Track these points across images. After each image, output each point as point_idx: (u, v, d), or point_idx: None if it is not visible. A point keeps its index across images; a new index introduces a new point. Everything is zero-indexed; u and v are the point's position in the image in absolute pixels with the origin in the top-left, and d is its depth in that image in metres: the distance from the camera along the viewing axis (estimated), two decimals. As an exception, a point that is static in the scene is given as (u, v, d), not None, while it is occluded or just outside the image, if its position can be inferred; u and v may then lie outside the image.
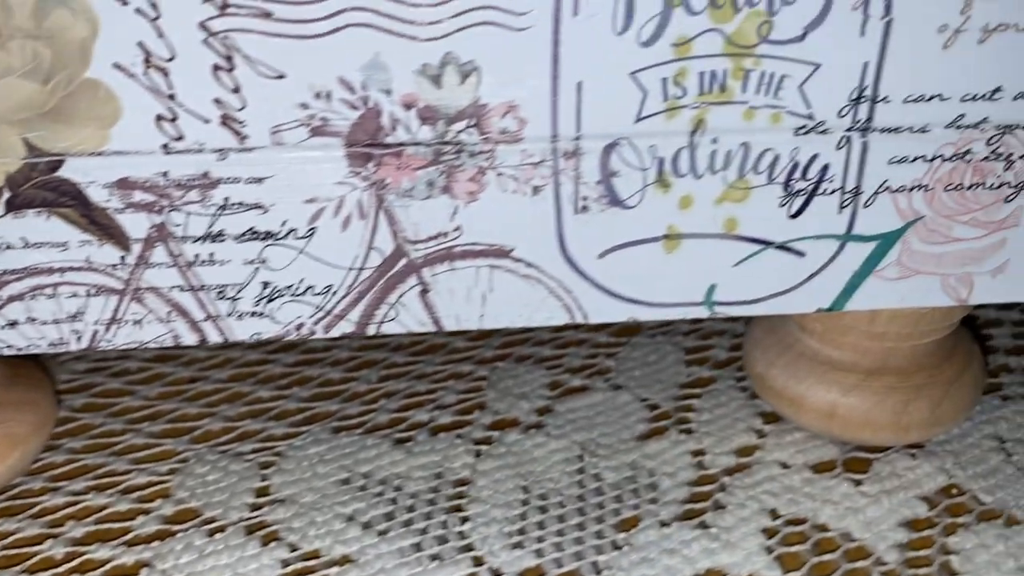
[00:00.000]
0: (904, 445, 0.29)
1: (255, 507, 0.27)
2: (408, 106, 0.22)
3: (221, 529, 0.26)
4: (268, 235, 0.23)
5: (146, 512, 0.27)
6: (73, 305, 0.23)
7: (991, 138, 0.23)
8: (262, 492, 0.27)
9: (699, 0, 0.21)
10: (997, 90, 0.23)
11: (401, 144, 0.22)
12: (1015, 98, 0.23)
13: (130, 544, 0.26)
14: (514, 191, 0.23)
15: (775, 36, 0.22)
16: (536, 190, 0.23)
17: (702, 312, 0.25)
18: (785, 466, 0.28)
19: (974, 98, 0.23)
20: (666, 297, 0.25)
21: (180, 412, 0.31)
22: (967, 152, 0.23)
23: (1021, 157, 0.24)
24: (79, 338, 0.24)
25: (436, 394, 0.31)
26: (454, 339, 0.34)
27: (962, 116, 0.23)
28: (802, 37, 0.22)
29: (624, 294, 0.24)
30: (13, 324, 0.23)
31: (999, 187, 0.24)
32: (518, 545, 0.25)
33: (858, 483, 0.27)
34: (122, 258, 0.23)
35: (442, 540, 0.26)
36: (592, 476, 0.28)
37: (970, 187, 0.24)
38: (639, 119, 0.22)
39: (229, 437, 0.30)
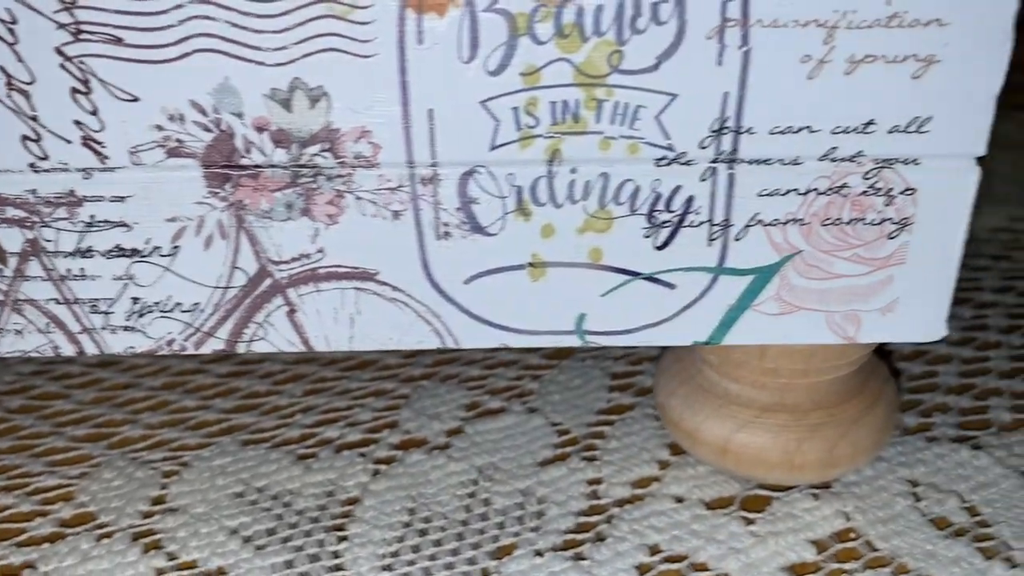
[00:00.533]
0: (810, 484, 0.28)
1: (147, 515, 0.27)
2: (260, 129, 0.22)
3: (109, 535, 0.27)
4: (134, 252, 0.23)
5: (44, 514, 0.28)
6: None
7: (868, 172, 0.22)
8: (158, 500, 0.28)
9: (545, 29, 0.21)
10: (870, 123, 0.22)
11: (257, 166, 0.22)
12: (890, 131, 0.22)
13: (21, 545, 0.27)
14: (374, 215, 0.23)
15: (627, 66, 0.21)
16: (396, 215, 0.23)
17: (574, 341, 0.25)
18: (679, 500, 0.27)
19: (846, 131, 0.22)
20: (536, 325, 0.24)
21: (106, 418, 0.32)
22: (843, 186, 0.23)
23: (902, 192, 0.23)
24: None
25: (352, 411, 0.32)
26: (386, 355, 0.34)
27: (835, 149, 0.22)
28: (656, 67, 0.21)
29: (494, 320, 0.24)
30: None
31: (881, 223, 0.23)
32: (388, 568, 0.25)
33: (750, 522, 0.27)
34: (0, 271, 0.24)
35: (314, 559, 0.26)
36: (482, 501, 0.28)
37: (849, 222, 0.23)
38: (493, 147, 0.22)
39: (144, 444, 0.30)
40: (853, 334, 0.24)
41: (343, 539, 0.26)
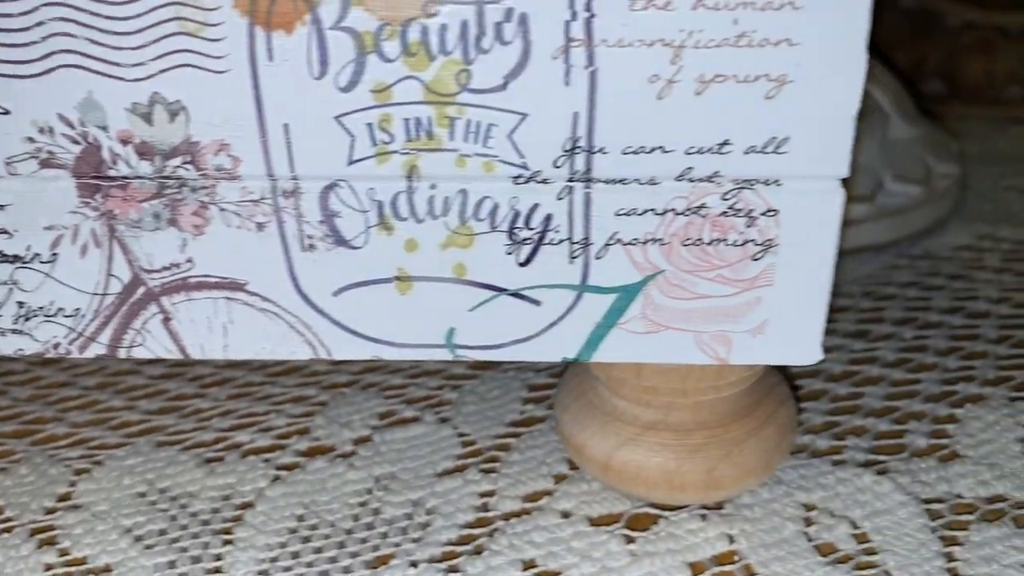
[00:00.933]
0: (701, 505, 0.27)
1: (50, 511, 0.28)
2: (125, 142, 0.22)
3: (9, 530, 0.28)
4: (16, 258, 0.24)
5: (-46, 508, 0.29)
6: None
7: (727, 193, 0.22)
8: (64, 497, 0.29)
9: (393, 47, 0.21)
10: (725, 143, 0.22)
11: (125, 177, 0.23)
12: (746, 152, 0.22)
13: (-74, 536, 0.28)
14: (239, 227, 0.23)
15: (475, 85, 0.21)
16: (260, 227, 0.23)
17: (445, 355, 0.25)
18: (566, 516, 0.27)
19: (700, 151, 0.22)
20: (407, 338, 0.25)
21: (36, 415, 0.33)
22: (702, 206, 0.22)
23: (764, 214, 0.22)
24: None
25: (267, 416, 0.32)
26: (314, 362, 0.35)
27: (691, 169, 0.22)
28: (504, 86, 0.21)
29: (365, 333, 0.25)
30: None
31: (744, 244, 0.23)
32: (264, 573, 0.26)
33: (631, 540, 0.26)
34: None
35: (196, 560, 0.26)
36: (372, 511, 0.28)
37: (711, 243, 0.23)
38: (351, 162, 0.22)
39: (65, 442, 0.31)
40: (724, 355, 0.24)
41: (228, 542, 0.27)
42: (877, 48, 0.54)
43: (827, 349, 0.35)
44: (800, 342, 0.24)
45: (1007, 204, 0.46)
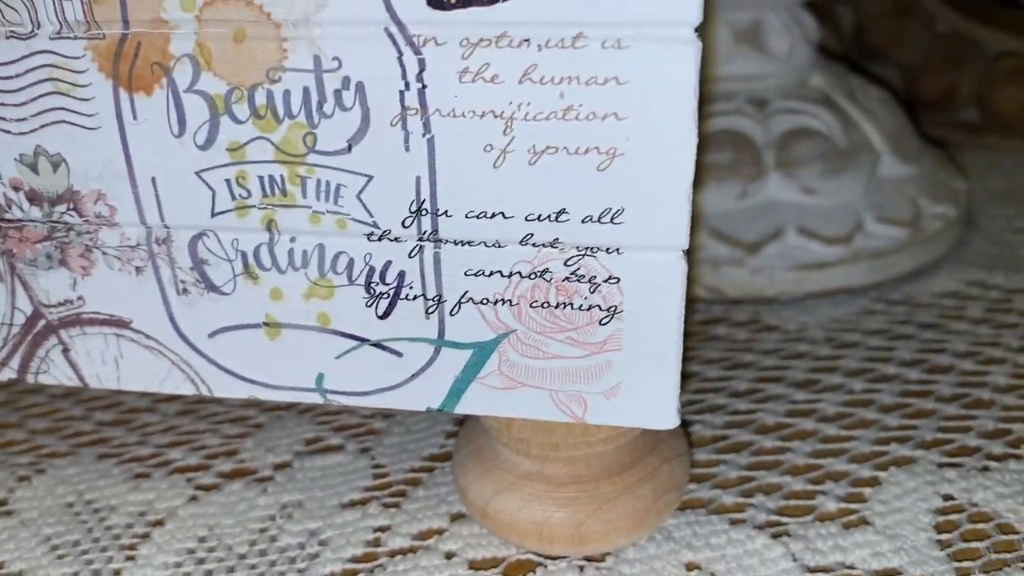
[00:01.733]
0: (584, 556, 0.27)
1: (-15, 516, 0.31)
2: (16, 188, 0.24)
3: (-55, 531, 0.30)
4: (-66, 289, 0.26)
5: (-94, 506, 0.31)
6: None
7: (569, 259, 0.22)
8: (1, 502, 0.31)
9: (242, 110, 0.22)
10: (562, 212, 0.22)
11: (19, 220, 0.25)
12: (583, 221, 0.22)
13: None
14: (120, 269, 0.25)
15: (322, 147, 0.22)
16: (139, 270, 0.25)
17: (317, 399, 0.26)
18: (449, 557, 0.28)
19: (539, 218, 0.22)
20: (280, 381, 0.26)
21: (1, 420, 0.35)
22: (546, 271, 0.23)
23: (606, 281, 0.22)
24: None
25: (204, 435, 0.34)
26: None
27: (531, 235, 0.22)
28: (348, 149, 0.22)
29: (241, 374, 0.26)
30: None
31: (589, 309, 0.23)
32: (153, 591, 0.27)
33: (503, 587, 0.27)
34: None
35: (96, 573, 0.28)
36: (269, 537, 0.29)
37: (557, 306, 0.23)
38: (214, 214, 0.23)
39: (20, 448, 0.34)
40: (581, 415, 0.24)
41: (130, 558, 0.29)
42: (883, 81, 0.53)
43: (766, 399, 0.35)
44: (654, 406, 0.24)
45: (1012, 248, 0.44)
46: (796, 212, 0.40)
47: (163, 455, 0.33)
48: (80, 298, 0.25)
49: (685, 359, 0.38)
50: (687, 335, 0.39)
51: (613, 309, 0.23)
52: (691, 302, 0.41)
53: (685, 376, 0.36)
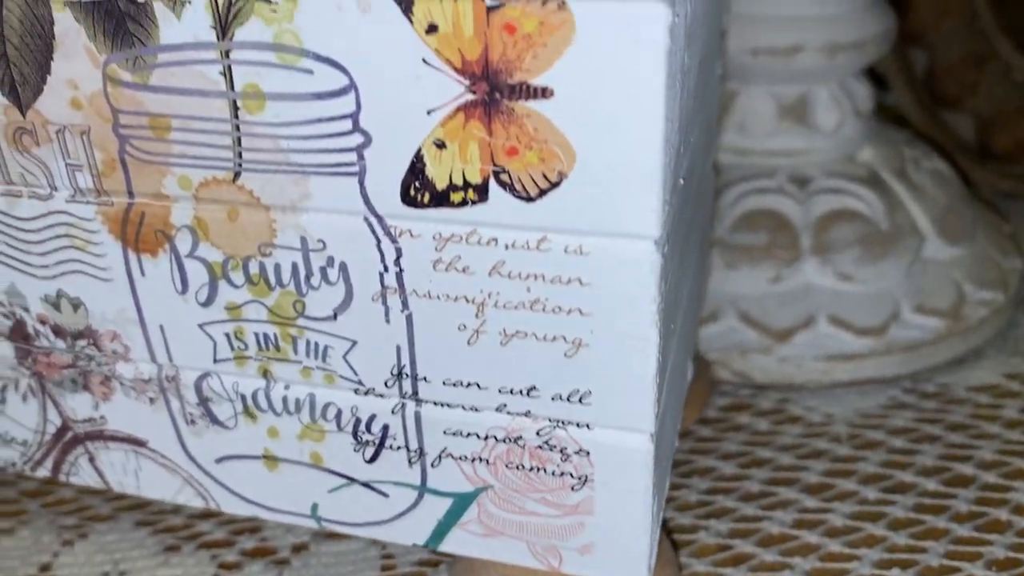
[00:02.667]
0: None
1: (31, 581, 0.34)
2: (43, 322, 0.26)
3: (-5, 595, 0.33)
4: (-22, 399, 0.29)
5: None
6: None
7: (541, 429, 0.23)
8: (45, 567, 0.34)
9: (238, 276, 0.23)
10: (533, 388, 0.22)
11: (47, 348, 0.27)
12: (553, 399, 0.22)
13: (-64, 589, 0.33)
14: (136, 398, 0.27)
15: (310, 313, 0.23)
16: (152, 401, 0.26)
17: (312, 524, 0.27)
18: (440, 664, 0.29)
19: (511, 391, 0.23)
20: (280, 505, 0.27)
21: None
22: (519, 438, 0.23)
23: (577, 453, 0.23)
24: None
25: (233, 507, 0.36)
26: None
27: (505, 405, 0.23)
28: (334, 317, 0.23)
29: (246, 495, 0.27)
30: None
31: (562, 475, 0.23)
32: (167, 677, 0.30)
33: None
34: None
35: (120, 654, 0.30)
36: (279, 626, 0.31)
37: (531, 469, 0.24)
38: (216, 361, 0.25)
39: (68, 508, 0.36)
40: (557, 565, 0.25)
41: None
42: (942, 150, 0.51)
43: (776, 505, 0.35)
44: (626, 564, 0.24)
45: (1065, 336, 0.43)
46: (830, 299, 0.40)
47: (194, 527, 0.35)
48: (102, 417, 0.27)
49: (703, 452, 0.38)
50: (710, 422, 0.40)
51: (584, 478, 0.23)
52: (718, 384, 0.41)
53: (700, 472, 0.36)
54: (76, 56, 0.21)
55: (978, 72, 0.55)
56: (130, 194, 0.23)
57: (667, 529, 0.34)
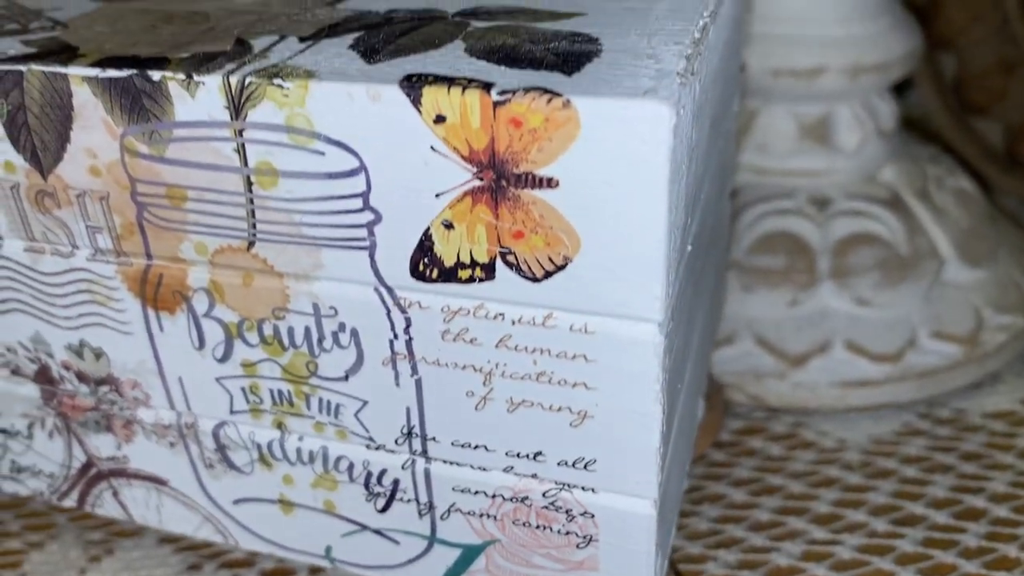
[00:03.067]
0: None
1: (60, 597, 0.35)
2: (67, 368, 0.27)
3: (25, 610, 0.34)
4: (4, 431, 0.29)
5: (-4, 578, 0.36)
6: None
7: (547, 491, 0.23)
8: (74, 585, 0.35)
9: (253, 337, 0.24)
10: (539, 453, 0.23)
11: (72, 392, 0.27)
12: (559, 464, 0.23)
13: (-30, 603, 0.35)
14: (156, 442, 0.27)
15: (323, 373, 0.24)
16: (172, 445, 0.27)
17: (327, 564, 0.28)
18: None
19: (518, 455, 0.23)
20: (295, 545, 0.28)
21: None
22: (526, 498, 0.24)
23: (582, 514, 0.23)
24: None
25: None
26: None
27: (512, 467, 0.23)
28: (346, 378, 0.24)
29: (262, 535, 0.28)
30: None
31: (567, 534, 0.24)
32: None
33: None
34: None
35: (144, 675, 0.32)
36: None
37: (538, 527, 0.24)
38: (232, 412, 0.26)
39: (94, 522, 0.38)
40: (563, 614, 0.26)
41: (174, 661, 0.32)
42: (967, 164, 0.50)
43: (784, 536, 0.35)
44: (630, 617, 0.25)
45: (1086, 359, 0.42)
46: (847, 323, 0.40)
47: (215, 546, 0.36)
48: (125, 456, 0.28)
49: (715, 478, 0.38)
50: (723, 445, 0.40)
51: (589, 537, 0.24)
52: (732, 406, 0.41)
53: (711, 498, 0.37)
54: (94, 127, 0.22)
55: (1008, 79, 0.54)
56: (148, 256, 0.24)
57: (675, 559, 0.34)
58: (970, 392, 0.41)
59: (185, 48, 0.22)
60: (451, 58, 0.20)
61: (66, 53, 0.22)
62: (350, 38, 0.22)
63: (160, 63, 0.21)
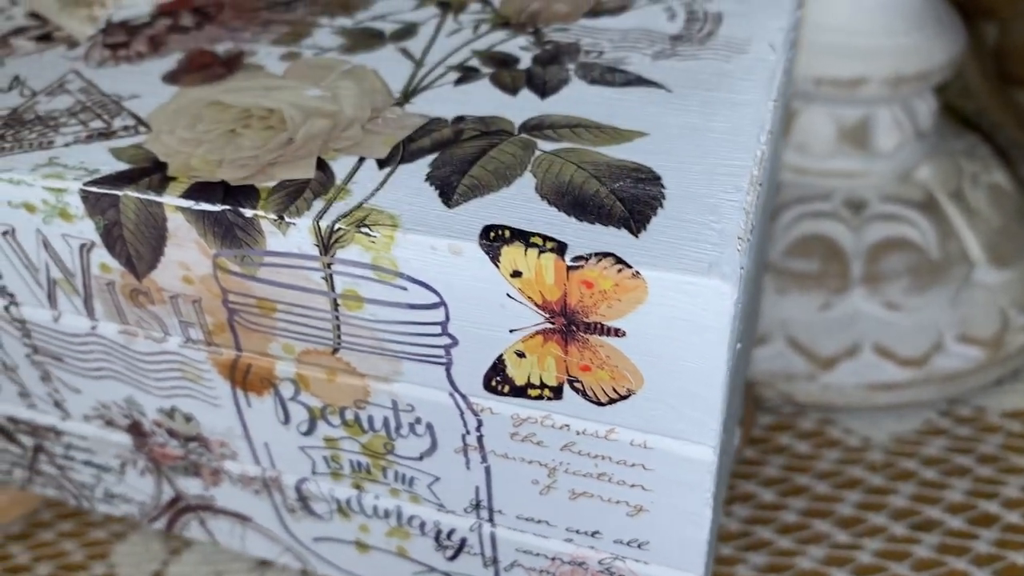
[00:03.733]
0: None
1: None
2: (158, 425, 0.29)
3: (118, 601, 0.38)
4: (100, 467, 0.32)
5: (84, 567, 0.39)
6: None
7: (603, 559, 0.26)
8: (157, 574, 0.39)
9: (335, 419, 0.26)
10: (597, 532, 0.25)
11: (162, 443, 0.30)
12: (614, 541, 0.25)
13: (67, 592, 0.38)
14: (242, 488, 0.30)
15: (399, 453, 0.26)
16: (256, 492, 0.30)
17: (399, 592, 0.31)
18: None
19: (577, 532, 0.26)
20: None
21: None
22: (583, 563, 0.26)
23: (634, 579, 0.26)
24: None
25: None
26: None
27: (571, 540, 0.26)
28: (420, 458, 0.26)
29: (341, 566, 0.31)
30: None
31: (620, 593, 0.27)
32: None
33: None
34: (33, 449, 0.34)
35: (230, 667, 0.35)
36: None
37: (593, 585, 0.27)
38: (314, 473, 0.28)
39: (173, 513, 0.41)
40: (612, 650, 0.29)
41: (256, 654, 0.36)
42: (1004, 154, 0.50)
43: (810, 539, 0.38)
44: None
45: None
46: (876, 327, 0.42)
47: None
48: (212, 496, 0.31)
49: (746, 476, 0.41)
50: (754, 441, 0.42)
51: (639, 597, 0.27)
52: (762, 401, 0.44)
53: (741, 498, 0.39)
54: (187, 246, 0.23)
55: (1048, 53, 0.54)
56: (238, 349, 0.26)
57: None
58: (991, 389, 0.43)
59: (270, 172, 0.23)
60: (523, 199, 0.22)
61: (157, 174, 0.24)
62: (425, 164, 0.23)
63: (250, 194, 0.22)
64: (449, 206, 0.22)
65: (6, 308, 0.28)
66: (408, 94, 0.26)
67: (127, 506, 0.34)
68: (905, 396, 0.42)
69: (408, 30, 0.29)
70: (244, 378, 0.26)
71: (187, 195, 0.23)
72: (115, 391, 0.29)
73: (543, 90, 0.26)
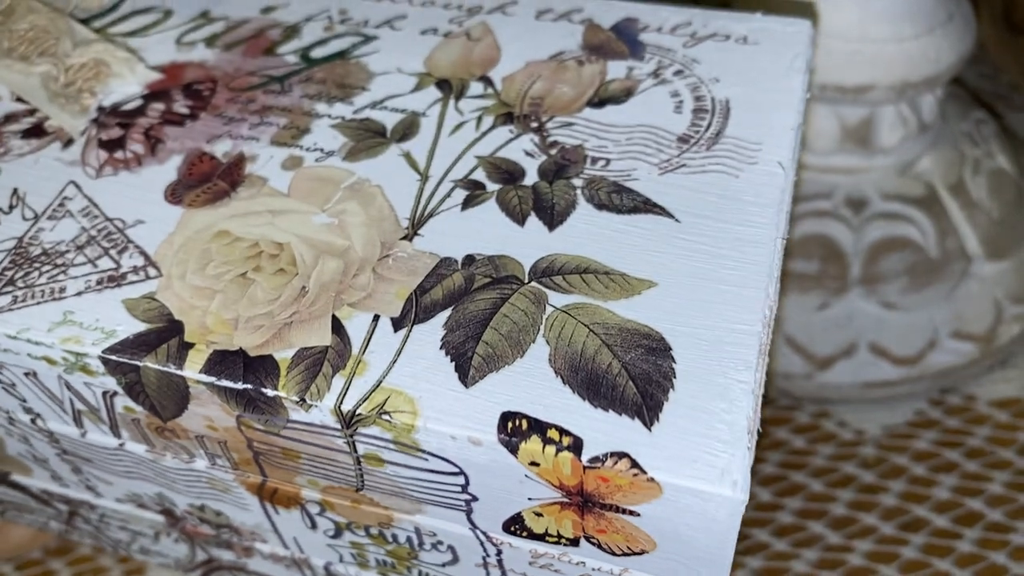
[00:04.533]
0: None
1: (185, 604, 0.41)
2: (189, 514, 0.31)
3: (159, 618, 0.40)
4: (136, 532, 0.34)
5: (127, 584, 0.42)
6: None
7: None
8: (195, 590, 0.41)
9: (360, 532, 0.27)
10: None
11: (195, 524, 0.31)
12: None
13: (110, 608, 0.41)
14: (272, 563, 0.32)
15: (423, 561, 0.28)
16: (287, 567, 0.32)
17: (424, 641, 0.33)
18: None
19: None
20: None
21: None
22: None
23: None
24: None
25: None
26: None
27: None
28: (443, 567, 0.27)
29: (368, 616, 0.33)
30: None
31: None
32: None
33: None
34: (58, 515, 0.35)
35: None
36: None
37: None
38: (341, 561, 0.30)
39: (201, 523, 0.43)
40: None
41: (293, 670, 0.39)
42: (1010, 132, 0.49)
43: (804, 542, 0.40)
44: None
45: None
46: (872, 326, 0.42)
47: None
48: (244, 563, 0.33)
49: (743, 475, 0.43)
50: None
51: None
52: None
53: (739, 498, 0.41)
54: (210, 407, 0.24)
55: (1059, 4, 0.52)
56: (264, 476, 0.27)
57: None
58: (981, 377, 0.45)
59: (287, 339, 0.23)
60: (539, 376, 0.22)
61: (175, 339, 0.24)
62: (439, 325, 0.23)
63: (270, 370, 0.23)
64: (466, 385, 0.22)
65: (32, 420, 0.28)
66: (416, 223, 0.26)
67: (163, 559, 0.36)
68: (898, 391, 0.43)
69: (410, 124, 0.28)
70: (272, 496, 0.28)
71: (207, 369, 0.23)
72: (145, 488, 0.30)
73: (551, 218, 0.25)
